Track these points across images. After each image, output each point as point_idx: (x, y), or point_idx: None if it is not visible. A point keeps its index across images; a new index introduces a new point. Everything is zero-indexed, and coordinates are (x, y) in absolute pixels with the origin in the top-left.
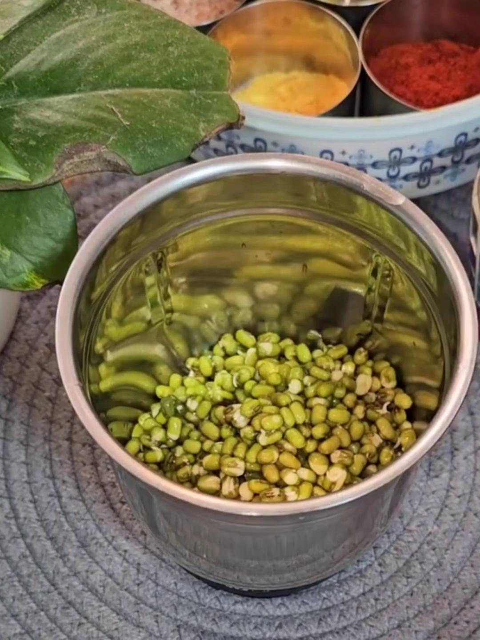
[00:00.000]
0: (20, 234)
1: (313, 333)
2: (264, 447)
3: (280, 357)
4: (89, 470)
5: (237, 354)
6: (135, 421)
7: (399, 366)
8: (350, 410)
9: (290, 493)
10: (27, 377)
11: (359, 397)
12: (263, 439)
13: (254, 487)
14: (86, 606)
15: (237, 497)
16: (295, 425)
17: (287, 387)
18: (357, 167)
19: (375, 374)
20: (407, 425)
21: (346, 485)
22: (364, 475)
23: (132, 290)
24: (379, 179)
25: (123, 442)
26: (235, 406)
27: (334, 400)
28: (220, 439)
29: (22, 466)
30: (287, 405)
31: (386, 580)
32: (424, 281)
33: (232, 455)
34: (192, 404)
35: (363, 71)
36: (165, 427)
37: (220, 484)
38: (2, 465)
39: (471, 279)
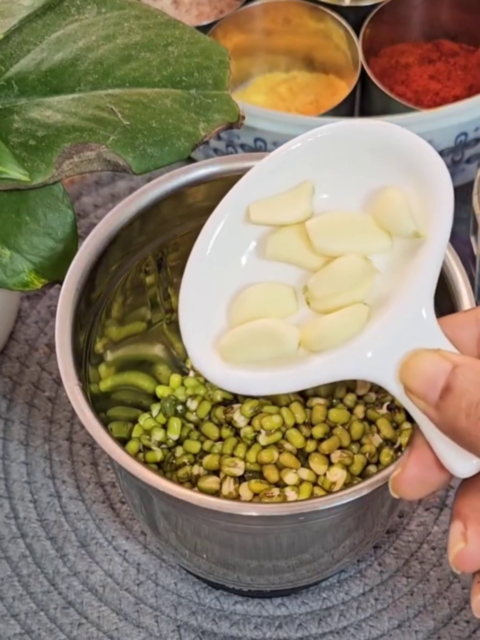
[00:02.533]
0: (20, 233)
1: None
2: (264, 447)
3: None
4: (89, 470)
5: None
6: (135, 421)
7: None
8: (350, 410)
9: (290, 493)
10: (27, 377)
11: (359, 397)
12: (263, 439)
13: (254, 487)
14: (86, 606)
15: (237, 497)
16: (295, 425)
17: None
18: None
19: None
20: (407, 425)
21: (346, 485)
22: (364, 475)
23: (132, 290)
24: None
25: (123, 442)
26: (235, 406)
27: (334, 400)
28: (220, 439)
29: (22, 466)
30: (287, 405)
31: (386, 580)
32: None
33: (232, 455)
34: (192, 404)
35: (363, 71)
36: (165, 427)
37: (220, 484)
38: (2, 465)
39: (471, 279)
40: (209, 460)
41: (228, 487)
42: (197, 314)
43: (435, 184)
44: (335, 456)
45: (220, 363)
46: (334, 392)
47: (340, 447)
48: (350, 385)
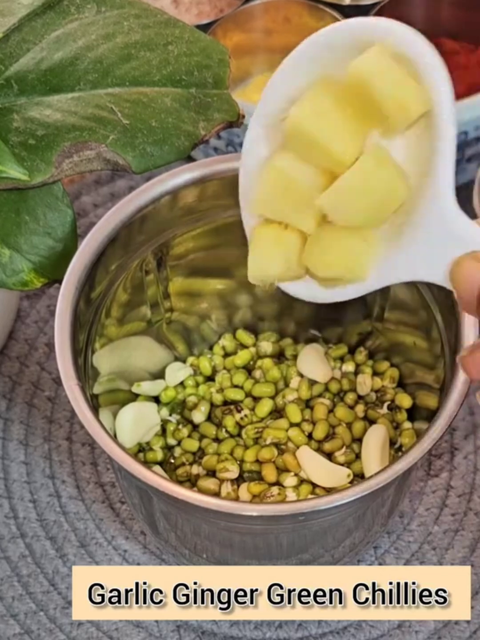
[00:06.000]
0: (20, 233)
1: (313, 332)
2: (263, 446)
3: (280, 356)
4: (88, 470)
5: (236, 353)
6: None
7: (399, 366)
8: (351, 409)
9: (290, 493)
10: (26, 377)
11: (360, 397)
12: (264, 439)
13: (253, 489)
14: None
15: (236, 499)
16: (296, 425)
17: (287, 385)
18: None
19: (376, 373)
20: (407, 425)
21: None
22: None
23: (132, 289)
24: None
25: None
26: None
27: (335, 399)
28: (219, 439)
29: (22, 466)
30: (287, 405)
31: None
32: None
33: (231, 454)
34: (191, 404)
35: None
36: (164, 427)
37: (220, 485)
38: (1, 465)
39: None
40: (208, 461)
41: (226, 488)
42: None
43: (428, 67)
44: (336, 456)
45: None
46: (335, 391)
47: (341, 447)
48: (350, 385)
